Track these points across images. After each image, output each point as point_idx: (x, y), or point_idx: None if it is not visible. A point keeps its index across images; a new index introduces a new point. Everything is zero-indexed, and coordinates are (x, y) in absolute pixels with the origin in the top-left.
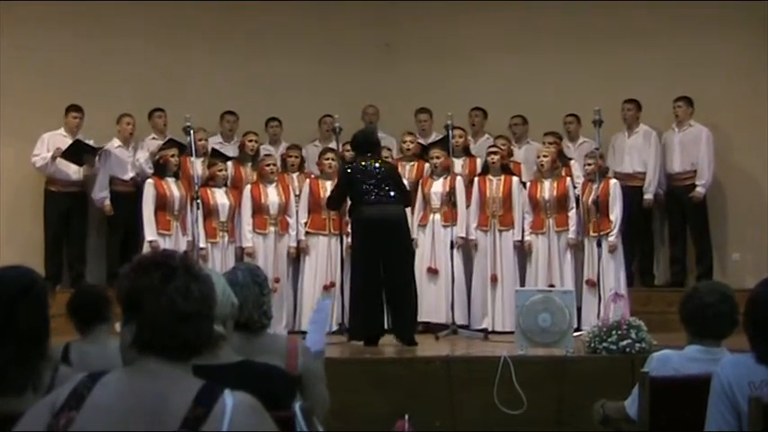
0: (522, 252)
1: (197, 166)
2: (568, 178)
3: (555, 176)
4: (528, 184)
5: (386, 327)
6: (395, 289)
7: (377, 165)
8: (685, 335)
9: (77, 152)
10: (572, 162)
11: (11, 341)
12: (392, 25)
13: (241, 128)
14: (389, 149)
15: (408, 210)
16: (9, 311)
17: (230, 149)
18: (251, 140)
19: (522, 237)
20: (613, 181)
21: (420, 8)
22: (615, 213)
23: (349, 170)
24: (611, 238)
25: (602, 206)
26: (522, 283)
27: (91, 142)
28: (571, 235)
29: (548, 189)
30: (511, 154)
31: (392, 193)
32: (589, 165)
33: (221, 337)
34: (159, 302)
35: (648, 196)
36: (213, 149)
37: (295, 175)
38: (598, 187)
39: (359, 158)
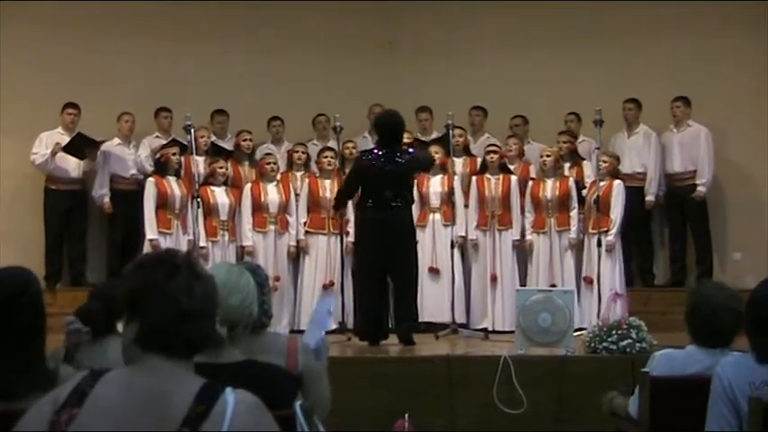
0: (523, 251)
1: (199, 165)
2: (571, 178)
3: (557, 176)
4: (530, 182)
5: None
6: (399, 290)
7: (396, 159)
8: (685, 335)
9: (79, 146)
10: (584, 162)
11: (6, 343)
12: (395, 23)
13: (243, 126)
14: None
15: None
16: (4, 313)
17: (225, 146)
18: (245, 139)
19: (523, 236)
20: (617, 181)
21: (423, 6)
22: (615, 213)
23: (360, 162)
24: (609, 237)
25: (603, 205)
26: (524, 283)
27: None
28: (572, 235)
29: (550, 188)
30: (522, 154)
31: (402, 196)
32: (604, 162)
33: (222, 340)
34: (162, 300)
35: (650, 197)
36: (213, 144)
37: (299, 174)
38: (601, 186)
39: (376, 149)
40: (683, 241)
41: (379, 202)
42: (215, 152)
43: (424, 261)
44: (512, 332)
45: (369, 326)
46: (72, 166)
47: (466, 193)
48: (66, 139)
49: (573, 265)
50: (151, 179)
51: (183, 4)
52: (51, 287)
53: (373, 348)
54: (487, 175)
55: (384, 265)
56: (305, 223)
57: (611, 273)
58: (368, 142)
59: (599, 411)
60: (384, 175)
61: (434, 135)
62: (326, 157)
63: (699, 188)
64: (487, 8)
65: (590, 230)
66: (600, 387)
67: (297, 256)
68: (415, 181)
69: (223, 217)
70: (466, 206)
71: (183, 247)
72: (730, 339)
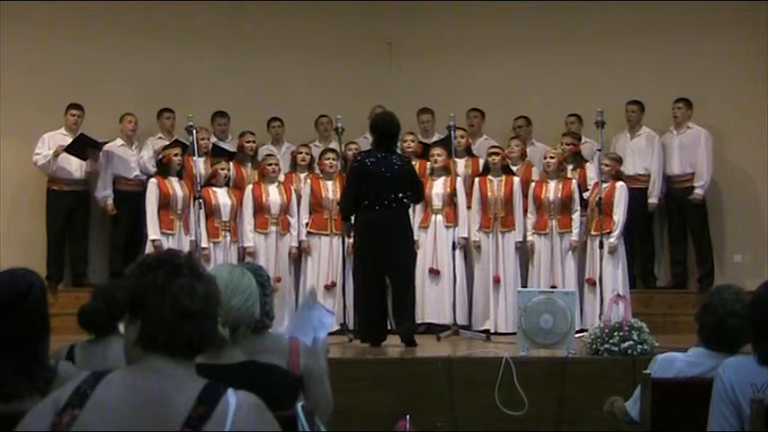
0: (524, 252)
1: (200, 165)
2: (574, 181)
3: (561, 178)
4: (533, 184)
5: (389, 328)
6: (397, 291)
7: (393, 161)
8: (686, 337)
9: (81, 146)
10: (587, 164)
11: (8, 346)
12: (395, 24)
13: (244, 127)
14: None
15: (409, 210)
16: (6, 316)
17: (226, 148)
18: (249, 141)
19: (525, 237)
20: (620, 183)
21: (423, 7)
22: (618, 215)
23: (361, 164)
24: (611, 239)
25: (605, 207)
26: (525, 284)
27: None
28: (574, 237)
29: (553, 190)
30: (525, 155)
31: (400, 198)
32: (606, 165)
33: (223, 340)
34: (164, 300)
35: (653, 200)
36: (214, 146)
37: (303, 175)
38: (604, 188)
39: (374, 151)
40: (683, 243)
41: (376, 204)
42: (215, 153)
43: (425, 262)
44: (514, 334)
45: (369, 327)
46: (74, 166)
47: (468, 194)
48: (69, 140)
49: (574, 267)
50: (153, 180)
51: (182, 4)
52: (53, 288)
53: (374, 350)
54: (490, 177)
55: (383, 266)
56: (307, 224)
57: (613, 274)
58: (369, 143)
59: (600, 413)
60: (381, 177)
61: (436, 137)
62: (328, 158)
63: (696, 190)
64: (487, 8)
65: (592, 232)
66: (601, 389)
67: (298, 257)
68: None
69: (225, 218)
70: (468, 207)
71: (185, 248)
72: (738, 346)
